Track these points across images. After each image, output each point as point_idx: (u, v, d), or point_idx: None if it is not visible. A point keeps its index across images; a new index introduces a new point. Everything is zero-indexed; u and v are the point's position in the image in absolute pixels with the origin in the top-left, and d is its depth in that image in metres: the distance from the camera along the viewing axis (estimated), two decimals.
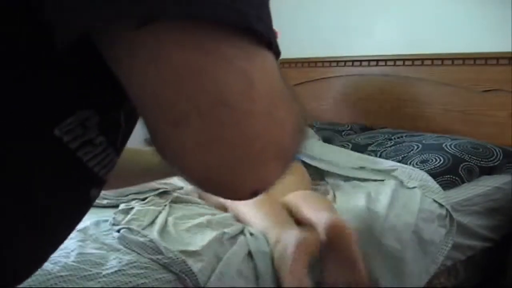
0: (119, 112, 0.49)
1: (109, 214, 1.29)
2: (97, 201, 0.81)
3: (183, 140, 0.37)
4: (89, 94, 0.45)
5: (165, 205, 1.32)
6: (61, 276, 0.93)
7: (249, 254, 1.14)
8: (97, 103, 0.46)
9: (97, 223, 1.22)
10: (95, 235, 1.14)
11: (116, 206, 1.34)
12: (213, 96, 0.36)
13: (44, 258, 0.53)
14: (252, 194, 0.42)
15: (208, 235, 1.13)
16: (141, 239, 1.05)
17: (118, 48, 0.38)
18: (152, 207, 1.28)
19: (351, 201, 1.53)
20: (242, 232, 1.21)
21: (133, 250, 1.04)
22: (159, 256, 1.00)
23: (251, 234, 1.20)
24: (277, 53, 0.41)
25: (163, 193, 1.43)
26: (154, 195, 1.38)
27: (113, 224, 1.20)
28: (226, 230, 1.18)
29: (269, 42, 0.39)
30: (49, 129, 0.43)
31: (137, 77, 0.38)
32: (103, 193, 0.85)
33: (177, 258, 1.00)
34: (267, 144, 0.38)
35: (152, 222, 1.19)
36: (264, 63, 0.39)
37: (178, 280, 1.00)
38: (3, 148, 0.42)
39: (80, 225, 1.02)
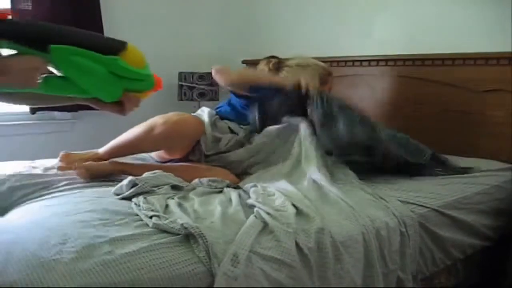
0: None
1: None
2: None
3: None
4: None
5: (174, 195, 1.49)
6: None
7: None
8: None
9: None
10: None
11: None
12: None
13: None
14: None
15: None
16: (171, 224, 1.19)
17: None
18: (159, 196, 1.44)
19: None
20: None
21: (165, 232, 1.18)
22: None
23: (268, 213, 1.28)
24: None
25: (175, 186, 1.59)
26: (168, 187, 1.54)
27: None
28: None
29: None
30: None
31: None
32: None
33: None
34: None
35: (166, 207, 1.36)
36: None
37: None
38: None
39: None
